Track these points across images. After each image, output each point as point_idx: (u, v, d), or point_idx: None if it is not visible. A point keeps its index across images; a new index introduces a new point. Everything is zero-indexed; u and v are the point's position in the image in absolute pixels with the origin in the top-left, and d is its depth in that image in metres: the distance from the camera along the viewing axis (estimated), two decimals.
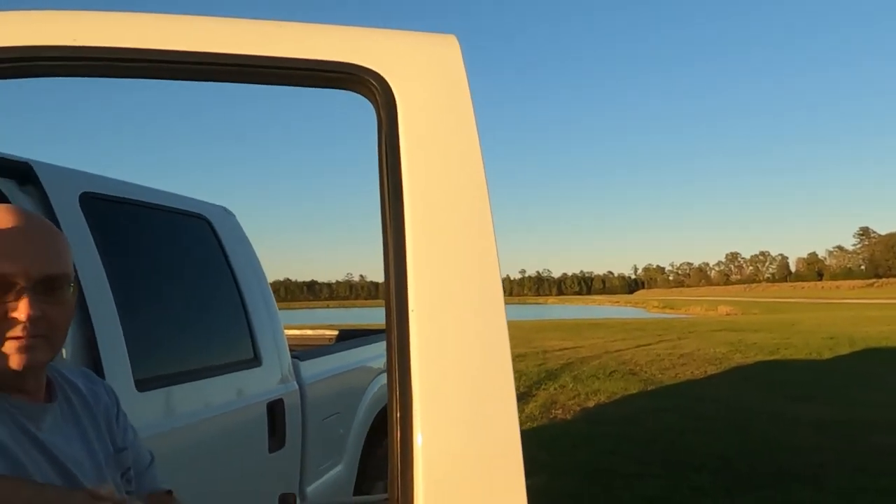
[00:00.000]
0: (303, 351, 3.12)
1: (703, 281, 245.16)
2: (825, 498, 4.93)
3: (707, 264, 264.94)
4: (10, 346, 0.98)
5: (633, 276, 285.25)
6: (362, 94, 0.98)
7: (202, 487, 2.04)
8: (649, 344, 17.10)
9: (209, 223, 2.59)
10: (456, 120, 0.93)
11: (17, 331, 0.97)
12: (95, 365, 1.75)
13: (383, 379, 3.83)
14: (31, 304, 0.97)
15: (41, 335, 1.00)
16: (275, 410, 2.53)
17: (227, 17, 0.94)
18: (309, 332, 5.12)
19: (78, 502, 0.84)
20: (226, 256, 2.59)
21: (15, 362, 0.98)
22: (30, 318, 0.97)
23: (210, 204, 2.73)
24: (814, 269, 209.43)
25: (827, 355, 13.73)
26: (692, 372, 11.75)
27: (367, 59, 0.94)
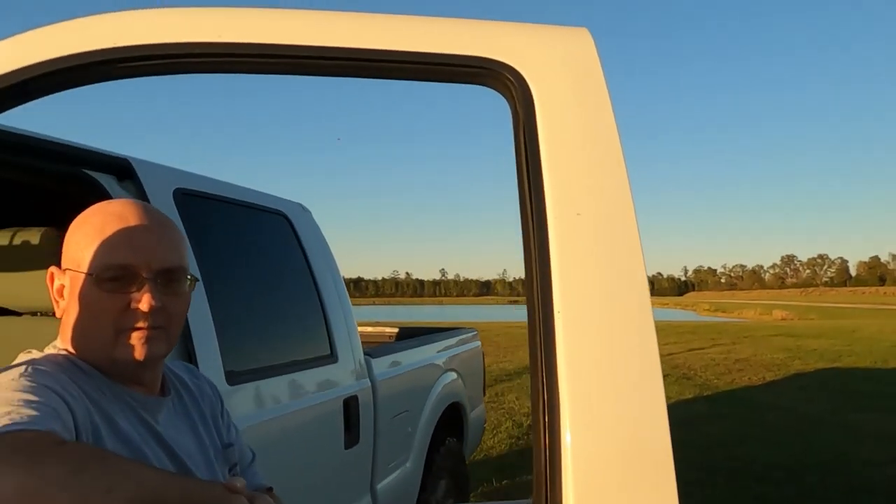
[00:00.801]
0: (373, 348, 3.13)
1: (756, 284, 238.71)
2: None
3: (761, 267, 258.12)
4: (133, 338, 0.99)
5: (682, 278, 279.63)
6: (496, 90, 0.96)
7: (282, 483, 2.06)
8: (702, 348, 16.70)
9: (288, 220, 2.62)
10: (595, 116, 0.90)
11: (140, 322, 0.98)
12: (190, 358, 1.78)
13: (448, 378, 3.81)
14: (153, 296, 0.98)
15: (161, 327, 1.01)
16: (350, 407, 2.54)
17: (357, 11, 0.94)
18: (369, 328, 5.15)
19: (217, 495, 0.84)
20: (304, 253, 2.62)
21: (138, 353, 0.99)
22: (152, 310, 0.98)
23: (288, 200, 2.76)
24: (876, 274, 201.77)
25: (893, 364, 13.17)
26: (749, 378, 11.43)
27: (502, 53, 0.92)
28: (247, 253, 2.41)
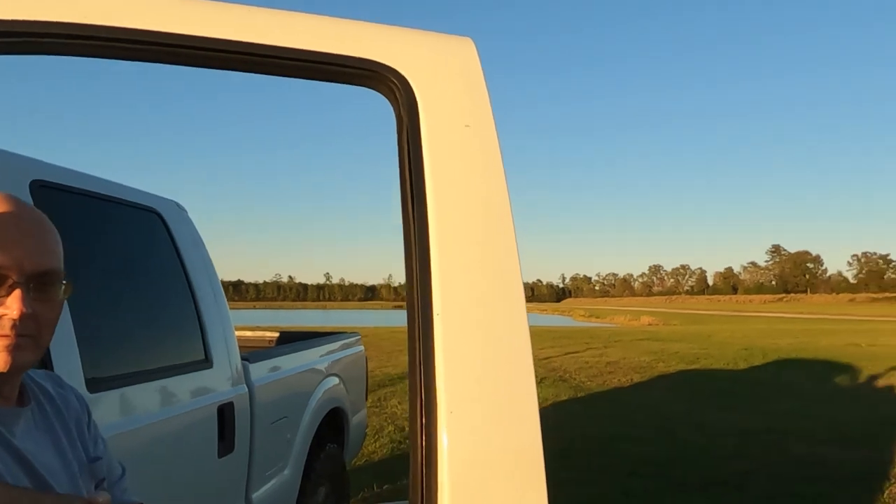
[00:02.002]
0: (251, 353, 3.03)
1: (626, 291, 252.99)
2: None
3: (631, 275, 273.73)
4: None
5: (560, 285, 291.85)
6: (380, 92, 0.96)
7: (151, 495, 1.95)
8: (577, 352, 17.53)
9: (161, 217, 2.49)
10: (476, 122, 0.93)
11: (6, 329, 0.90)
12: (45, 363, 1.64)
13: (329, 383, 3.76)
14: (23, 301, 0.90)
15: (29, 335, 0.93)
16: (224, 414, 2.45)
17: (245, 4, 0.90)
18: (248, 333, 4.99)
19: None
20: (178, 253, 2.49)
21: (1, 363, 0.90)
22: (21, 316, 0.90)
23: (162, 198, 2.62)
24: (729, 283, 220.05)
25: (742, 366, 14.44)
26: (619, 379, 12.13)
27: (388, 56, 0.92)
28: (114, 252, 2.25)
